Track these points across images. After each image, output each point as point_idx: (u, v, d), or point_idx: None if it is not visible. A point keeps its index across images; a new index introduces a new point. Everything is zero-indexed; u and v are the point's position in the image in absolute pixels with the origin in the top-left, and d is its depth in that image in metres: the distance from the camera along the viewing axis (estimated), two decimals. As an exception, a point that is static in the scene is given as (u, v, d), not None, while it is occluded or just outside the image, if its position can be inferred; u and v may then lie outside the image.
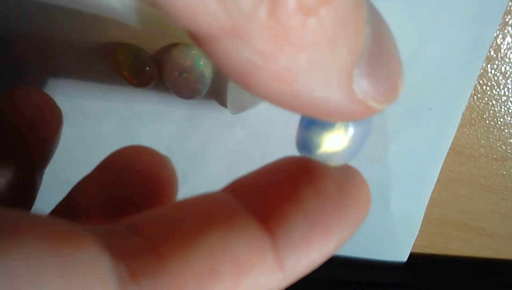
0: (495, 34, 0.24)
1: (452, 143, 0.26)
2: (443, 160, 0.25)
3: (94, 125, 0.25)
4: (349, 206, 0.13)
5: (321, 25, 0.10)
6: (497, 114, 0.26)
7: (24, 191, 0.19)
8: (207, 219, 0.12)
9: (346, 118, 0.12)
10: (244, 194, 0.13)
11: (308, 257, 0.12)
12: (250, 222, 0.12)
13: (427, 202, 0.26)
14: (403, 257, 0.27)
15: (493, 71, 0.25)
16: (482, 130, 0.26)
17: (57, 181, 0.24)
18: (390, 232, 0.26)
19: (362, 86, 0.11)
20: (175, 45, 0.23)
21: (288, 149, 0.25)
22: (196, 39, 0.10)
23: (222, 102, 0.24)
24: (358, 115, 0.12)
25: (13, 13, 0.22)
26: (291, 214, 0.13)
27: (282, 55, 0.10)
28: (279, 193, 0.13)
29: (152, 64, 0.23)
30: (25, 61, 0.23)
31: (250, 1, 0.09)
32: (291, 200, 0.13)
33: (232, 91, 0.23)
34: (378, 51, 0.12)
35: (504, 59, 0.24)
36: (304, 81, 0.10)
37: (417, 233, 0.27)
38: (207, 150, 0.25)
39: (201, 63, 0.22)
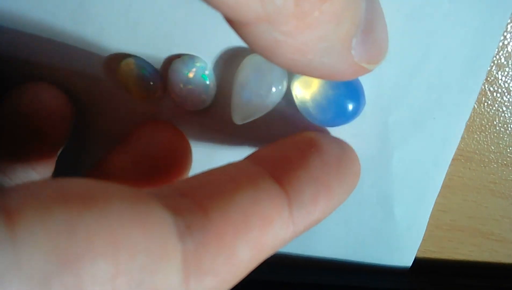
0: (506, 42, 0.23)
1: (462, 149, 0.26)
2: (447, 168, 0.25)
3: (98, 137, 0.25)
4: (346, 173, 0.17)
5: (332, 8, 0.12)
6: (507, 120, 0.26)
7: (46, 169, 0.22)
8: (237, 182, 0.14)
9: (344, 78, 0.15)
10: (264, 161, 0.16)
11: (314, 214, 0.15)
12: (271, 184, 0.15)
13: (431, 209, 0.26)
14: (408, 263, 0.27)
15: (503, 78, 0.24)
16: (492, 136, 0.26)
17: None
18: (394, 238, 0.26)
19: (359, 51, 0.14)
20: (179, 56, 0.23)
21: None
22: (233, 24, 0.12)
23: (227, 112, 0.24)
24: (354, 75, 0.15)
25: (17, 23, 0.23)
26: (302, 178, 0.15)
27: (301, 34, 0.12)
28: (292, 161, 0.16)
29: (157, 76, 0.23)
30: (27, 73, 0.23)
31: None
32: (302, 167, 0.15)
33: (237, 101, 0.23)
34: (371, 20, 0.14)
35: (515, 66, 0.24)
36: (315, 52, 0.13)
37: (421, 238, 0.27)
38: (212, 159, 0.25)
39: (206, 74, 0.23)
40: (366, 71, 0.15)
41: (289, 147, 0.17)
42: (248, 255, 0.13)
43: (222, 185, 0.14)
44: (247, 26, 0.12)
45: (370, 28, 0.14)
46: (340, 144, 0.18)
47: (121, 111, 0.25)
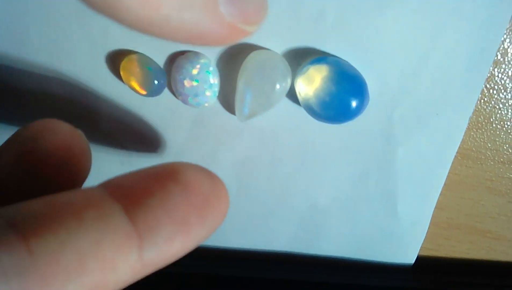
0: (502, 38, 0.24)
1: (459, 147, 0.26)
2: (450, 165, 0.25)
3: (102, 135, 0.25)
4: (210, 213, 0.15)
5: None
6: (504, 118, 0.26)
7: None
8: (80, 214, 0.12)
9: (219, 41, 0.13)
10: (119, 192, 0.14)
11: (167, 254, 0.14)
12: (121, 220, 0.13)
13: (434, 206, 0.26)
14: (411, 260, 0.28)
15: (500, 75, 0.25)
16: (489, 133, 0.26)
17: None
18: (398, 235, 0.26)
19: (229, 9, 0.12)
20: (182, 53, 0.23)
21: (296, 155, 0.25)
22: None
23: (231, 109, 0.24)
24: (230, 38, 0.13)
25: (21, 21, 0.22)
26: (159, 216, 0.13)
27: None
28: (152, 195, 0.14)
29: (161, 73, 0.22)
30: (33, 71, 0.23)
31: None
32: (161, 203, 0.13)
33: (241, 98, 0.23)
34: None
35: (511, 62, 0.24)
36: (170, 4, 0.11)
37: (424, 236, 0.27)
38: (215, 156, 0.25)
39: (210, 70, 0.22)
40: (245, 33, 0.13)
41: (151, 179, 0.14)
42: None
43: (59, 216, 0.12)
44: None
45: None
46: (211, 180, 0.15)
47: (125, 107, 0.24)
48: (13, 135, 0.18)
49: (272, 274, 0.26)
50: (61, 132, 0.18)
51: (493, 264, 0.30)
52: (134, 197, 0.13)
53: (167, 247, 0.13)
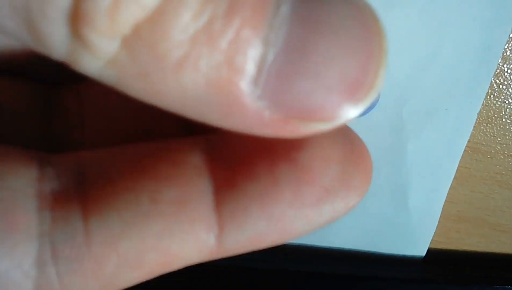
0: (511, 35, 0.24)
1: (469, 141, 0.27)
2: (459, 158, 0.25)
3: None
4: (322, 211, 0.10)
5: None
6: (514, 112, 0.26)
7: None
8: (157, 192, 0.10)
9: (262, 133, 0.09)
10: (217, 161, 0.11)
11: (251, 247, 0.11)
12: (204, 206, 0.10)
13: (444, 199, 0.26)
14: (422, 252, 0.28)
15: (509, 71, 0.25)
16: (498, 128, 0.27)
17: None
18: (409, 228, 0.27)
19: (271, 95, 0.08)
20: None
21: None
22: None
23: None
24: (287, 134, 0.09)
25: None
26: (253, 210, 0.10)
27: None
28: (251, 176, 0.10)
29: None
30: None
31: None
32: (260, 193, 0.10)
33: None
34: (303, 40, 0.08)
35: (521, 58, 0.25)
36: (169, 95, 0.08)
37: (435, 229, 0.27)
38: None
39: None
40: (302, 130, 0.09)
41: (262, 150, 0.10)
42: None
43: (132, 189, 0.10)
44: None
45: (299, 54, 0.08)
46: (346, 165, 0.10)
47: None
48: None
49: (283, 265, 0.26)
50: None
51: (503, 257, 0.30)
52: (230, 173, 0.10)
53: (251, 243, 0.11)
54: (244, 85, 0.08)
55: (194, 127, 0.12)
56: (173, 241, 0.10)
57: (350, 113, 0.08)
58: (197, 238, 0.10)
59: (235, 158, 0.11)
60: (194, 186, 0.10)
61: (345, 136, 0.11)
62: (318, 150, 0.10)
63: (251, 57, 0.07)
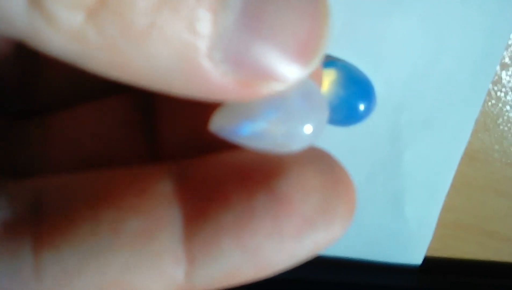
0: (510, 42, 0.24)
1: (467, 148, 0.26)
2: (456, 167, 0.25)
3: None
4: (303, 244, 0.10)
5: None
6: (511, 120, 0.26)
7: None
8: (121, 222, 0.09)
9: (232, 99, 0.09)
10: (186, 188, 0.10)
11: (226, 283, 0.10)
12: (172, 238, 0.09)
13: (440, 207, 0.26)
14: (418, 260, 0.28)
15: (507, 78, 0.25)
16: (496, 135, 0.27)
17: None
18: (405, 236, 0.27)
19: (230, 52, 0.08)
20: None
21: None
22: None
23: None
24: (246, 96, 0.09)
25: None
26: (226, 242, 0.09)
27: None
28: (224, 204, 0.10)
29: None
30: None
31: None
32: (233, 223, 0.09)
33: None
34: (256, 8, 0.08)
35: (519, 66, 0.25)
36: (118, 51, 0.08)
37: (431, 237, 0.27)
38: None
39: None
40: (259, 91, 0.09)
41: (235, 176, 0.10)
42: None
43: (92, 216, 0.09)
44: None
45: (255, 17, 0.08)
46: (327, 192, 0.10)
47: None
48: None
49: (278, 274, 0.26)
50: None
51: (500, 265, 0.30)
52: (202, 202, 0.10)
53: (224, 278, 0.10)
54: (206, 49, 0.08)
55: (165, 153, 0.12)
56: (136, 277, 0.09)
57: (301, 72, 0.08)
58: (163, 273, 0.09)
59: (207, 186, 0.10)
60: (161, 215, 0.09)
61: (325, 162, 0.10)
62: (297, 178, 0.10)
63: (211, 21, 0.08)
